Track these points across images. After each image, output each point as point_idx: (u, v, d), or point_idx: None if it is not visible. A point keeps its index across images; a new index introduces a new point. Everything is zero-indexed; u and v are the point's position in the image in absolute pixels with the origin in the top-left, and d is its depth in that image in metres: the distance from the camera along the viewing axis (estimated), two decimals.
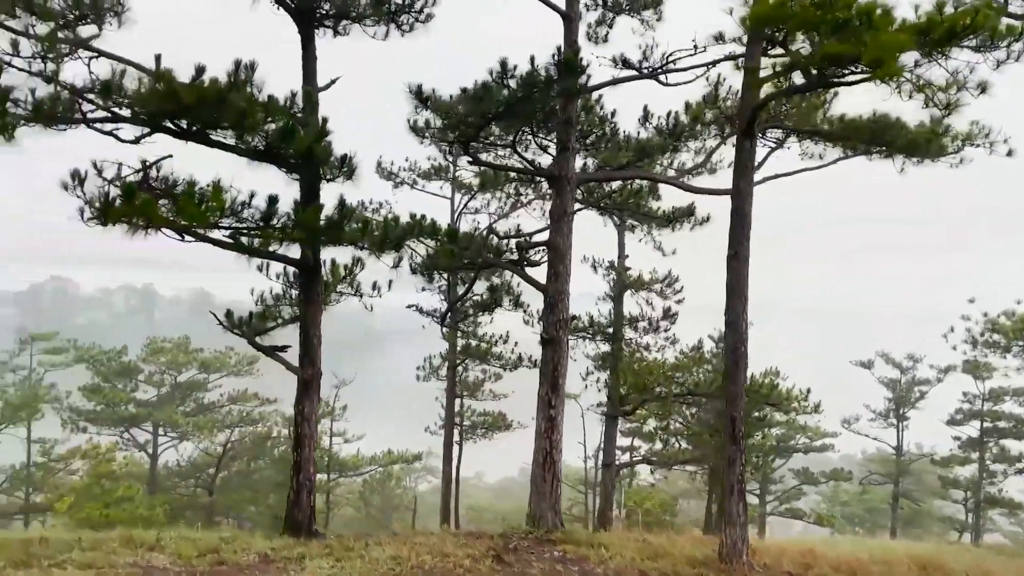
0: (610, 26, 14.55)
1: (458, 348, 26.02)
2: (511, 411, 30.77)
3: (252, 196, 8.97)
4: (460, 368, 28.53)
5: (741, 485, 10.70)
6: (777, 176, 13.14)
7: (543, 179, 17.89)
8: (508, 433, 29.26)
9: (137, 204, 7.68)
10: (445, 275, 18.90)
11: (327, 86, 11.06)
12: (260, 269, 12.66)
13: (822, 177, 14.77)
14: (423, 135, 15.70)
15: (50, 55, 8.40)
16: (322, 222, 9.28)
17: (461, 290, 23.42)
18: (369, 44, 11.17)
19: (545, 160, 14.82)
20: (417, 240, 11.20)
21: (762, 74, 10.57)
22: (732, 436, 10.65)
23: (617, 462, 28.45)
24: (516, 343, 26.81)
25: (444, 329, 26.77)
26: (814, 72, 8.99)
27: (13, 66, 8.23)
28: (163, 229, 8.78)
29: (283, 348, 12.03)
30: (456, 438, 29.38)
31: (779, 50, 9.97)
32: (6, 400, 34.60)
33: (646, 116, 16.16)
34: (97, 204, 7.98)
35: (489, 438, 29.11)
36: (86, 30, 9.33)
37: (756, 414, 30.51)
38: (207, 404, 41.85)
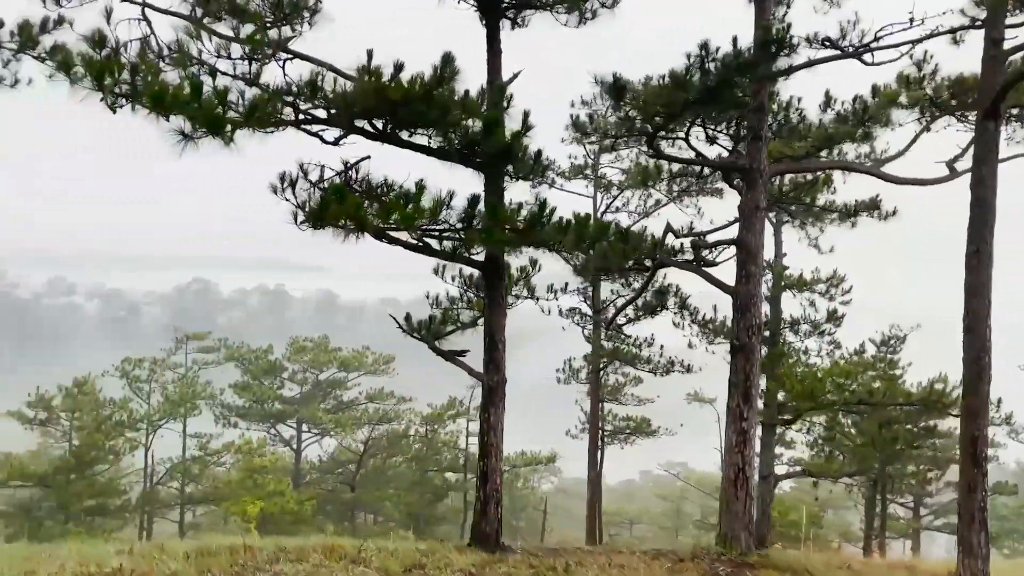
0: (788, 5, 13.44)
1: (601, 351, 25.25)
2: (653, 416, 29.78)
3: (452, 196, 8.55)
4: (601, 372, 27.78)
5: (983, 513, 9.39)
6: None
7: (714, 172, 16.87)
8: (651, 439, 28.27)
9: (348, 206, 7.37)
10: (609, 277, 18.19)
11: (510, 80, 10.56)
12: (436, 272, 12.36)
13: None
14: (584, 131, 14.94)
15: (256, 57, 8.27)
16: (520, 222, 8.74)
17: (606, 292, 22.83)
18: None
19: (710, 152, 13.86)
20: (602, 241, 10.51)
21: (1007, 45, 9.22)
22: (973, 458, 9.37)
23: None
24: (662, 346, 25.81)
25: (590, 330, 26.12)
26: None
27: (217, 69, 8.13)
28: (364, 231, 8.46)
29: (462, 352, 11.66)
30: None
31: None
32: (167, 396, 36.67)
33: (828, 101, 14.88)
34: (309, 207, 7.76)
35: (631, 443, 28.18)
36: (283, 31, 9.19)
37: (927, 424, 28.18)
38: (346, 402, 43.07)
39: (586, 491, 27.95)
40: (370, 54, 7.66)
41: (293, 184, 7.89)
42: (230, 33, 9.05)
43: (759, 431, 25.65)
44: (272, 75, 8.95)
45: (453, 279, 12.40)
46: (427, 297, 12.64)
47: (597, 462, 25.48)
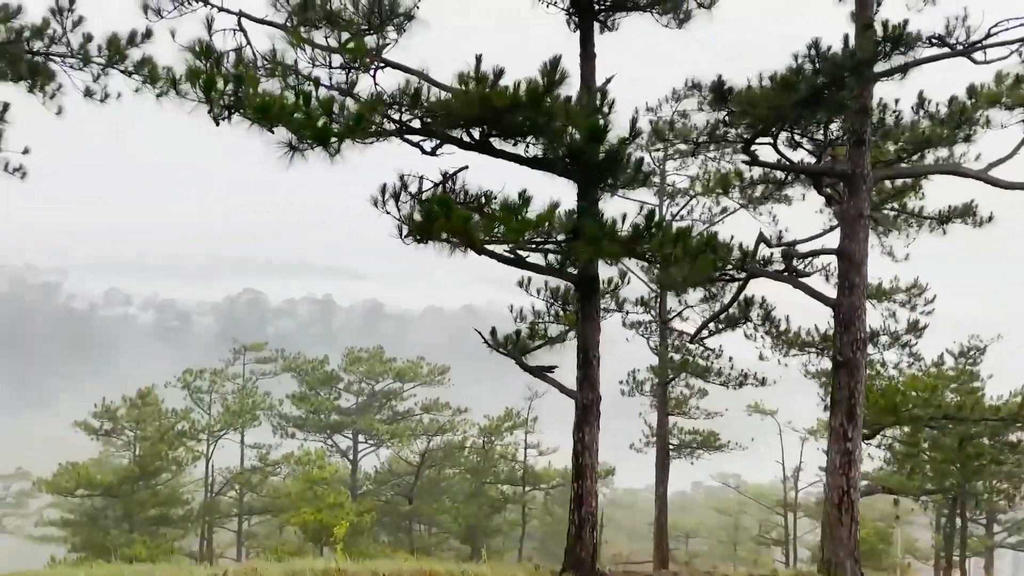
0: (879, 3, 12.80)
1: (670, 363, 24.59)
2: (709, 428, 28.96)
3: (555, 207, 8.15)
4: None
5: None
6: None
7: (793, 179, 16.20)
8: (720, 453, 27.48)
9: (456, 220, 7.03)
10: (695, 289, 17.58)
11: (604, 85, 10.15)
12: (521, 285, 12.01)
13: None
14: (663, 137, 14.45)
15: (354, 66, 8.00)
16: (625, 233, 8.30)
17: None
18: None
19: (792, 157, 13.24)
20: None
21: None
22: None
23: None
24: (731, 358, 25.07)
25: (656, 342, 25.48)
26: None
27: (318, 79, 7.89)
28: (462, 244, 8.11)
29: (551, 368, 11.25)
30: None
31: None
32: (227, 407, 37.03)
33: (921, 103, 14.15)
34: (414, 220, 7.44)
35: (699, 457, 27.41)
36: (378, 39, 8.93)
37: (1009, 439, 26.85)
38: (401, 412, 42.98)
39: (637, 503, 27.24)
40: (479, 59, 7.33)
41: (396, 196, 7.58)
42: (322, 41, 8.84)
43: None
44: (362, 84, 8.73)
45: (539, 292, 12.02)
46: (510, 310, 12.27)
47: (665, 477, 24.77)
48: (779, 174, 15.91)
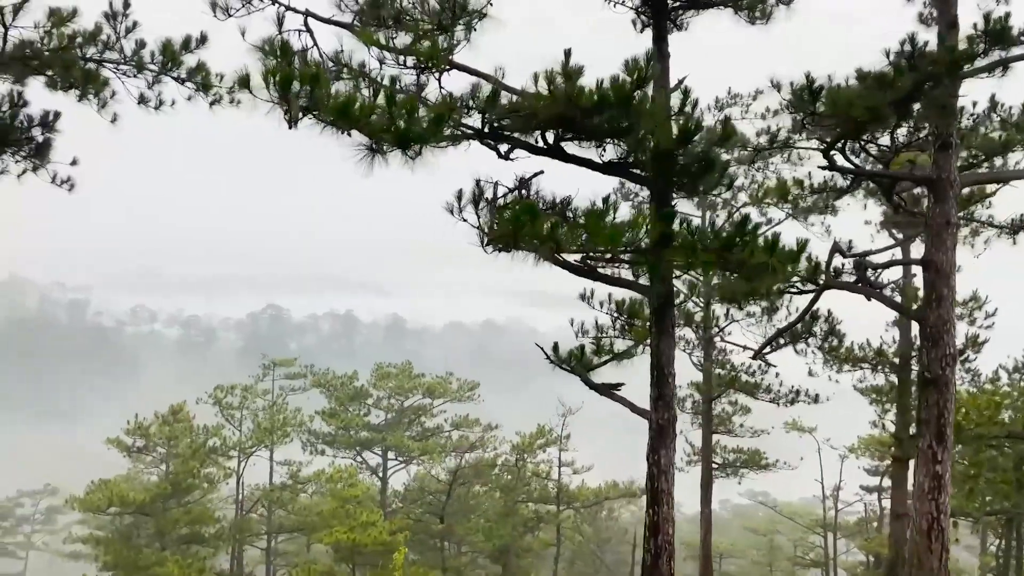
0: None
1: (716, 379, 23.89)
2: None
3: (642, 214, 7.61)
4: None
5: None
6: None
7: (855, 186, 15.57)
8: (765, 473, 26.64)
9: (539, 227, 6.51)
10: (752, 302, 16.97)
11: (676, 86, 9.63)
12: (583, 298, 11.47)
13: None
14: (738, 142, 13.96)
15: (426, 67, 7.54)
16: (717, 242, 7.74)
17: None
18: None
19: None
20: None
21: None
22: None
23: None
24: (778, 374, 24.33)
25: (698, 357, 24.79)
26: None
27: (398, 81, 7.44)
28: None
29: (617, 386, 10.67)
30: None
31: None
32: (257, 423, 36.67)
33: (993, 106, 13.49)
34: (497, 227, 6.93)
35: (743, 477, 26.58)
36: (443, 40, 8.47)
37: None
38: (431, 429, 42.43)
39: (708, 531, 26.14)
40: (568, 54, 6.83)
41: (476, 202, 7.08)
42: (385, 42, 8.40)
43: (884, 467, 23.87)
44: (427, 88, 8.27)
45: (601, 305, 11.47)
46: (571, 323, 11.72)
47: (709, 498, 23.98)
48: (841, 182, 15.29)
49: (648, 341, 10.18)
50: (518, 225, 6.58)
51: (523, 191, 7.64)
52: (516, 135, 8.01)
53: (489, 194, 7.61)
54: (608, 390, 10.61)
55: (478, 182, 7.44)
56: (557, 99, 6.90)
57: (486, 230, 7.09)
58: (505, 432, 40.12)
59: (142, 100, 9.90)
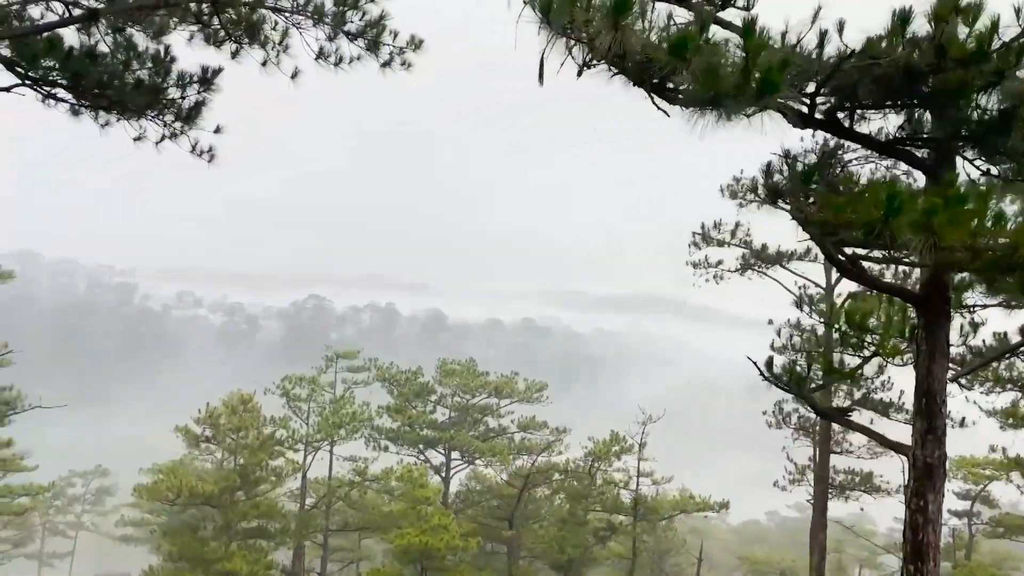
0: None
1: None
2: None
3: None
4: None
5: None
6: None
7: None
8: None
9: (914, 211, 4.96)
10: None
11: None
12: (799, 305, 9.86)
13: None
14: None
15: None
16: None
17: None
18: None
19: None
20: None
21: None
22: None
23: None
24: (902, 391, 22.43)
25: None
26: None
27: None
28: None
29: (848, 410, 9.14)
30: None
31: None
32: (325, 417, 35.61)
33: None
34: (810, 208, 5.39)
35: (857, 499, 24.71)
36: None
37: None
38: (495, 429, 41.09)
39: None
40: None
41: (793, 178, 5.56)
42: None
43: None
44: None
45: (812, 310, 9.85)
46: (778, 334, 10.10)
47: (824, 521, 22.17)
48: None
49: (897, 360, 8.56)
50: (872, 206, 5.04)
51: (831, 164, 6.09)
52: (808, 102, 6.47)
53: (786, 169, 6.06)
54: (839, 415, 9.05)
55: (787, 153, 5.90)
56: (924, 51, 5.35)
57: (802, 212, 5.55)
58: (578, 436, 38.58)
59: (320, 55, 8.54)
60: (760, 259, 21.86)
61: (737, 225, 23.29)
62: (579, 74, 5.28)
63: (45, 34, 8.27)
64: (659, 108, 5.57)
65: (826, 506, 22.21)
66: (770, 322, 24.67)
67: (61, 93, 8.91)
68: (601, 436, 35.94)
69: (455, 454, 40.87)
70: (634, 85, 5.50)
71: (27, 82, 8.24)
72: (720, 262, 23.97)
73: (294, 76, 8.48)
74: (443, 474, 40.20)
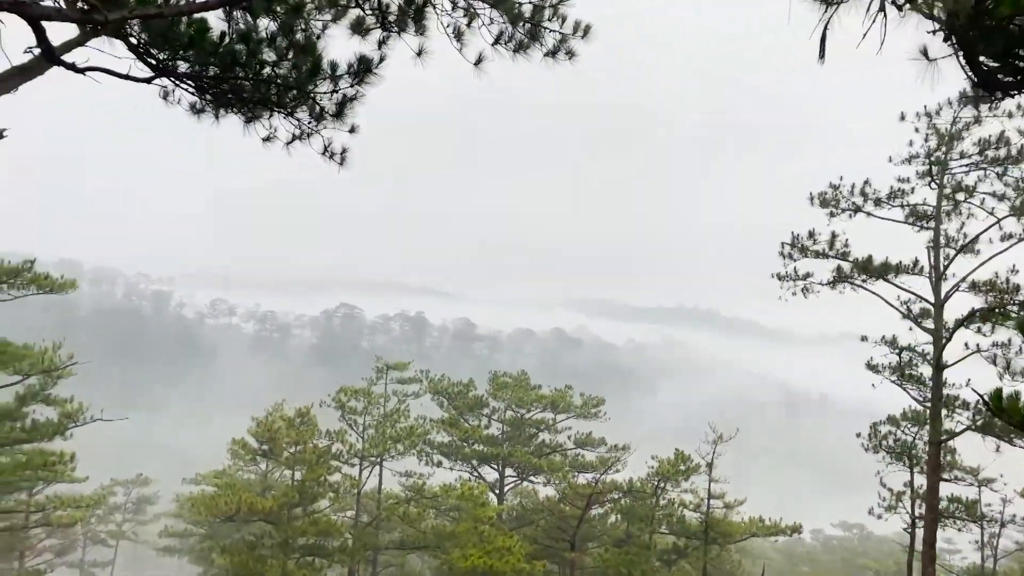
0: None
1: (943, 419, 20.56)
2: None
3: None
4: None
5: None
6: None
7: None
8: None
9: None
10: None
11: None
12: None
13: None
14: None
15: None
16: None
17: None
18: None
19: None
20: None
21: None
22: None
23: None
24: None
25: (921, 392, 21.53)
26: None
27: None
28: None
29: None
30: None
31: None
32: (381, 431, 34.63)
33: None
34: None
35: (960, 529, 23.14)
36: None
37: None
38: (550, 445, 39.86)
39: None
40: None
41: None
42: None
43: None
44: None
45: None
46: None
47: (934, 554, 20.62)
48: None
49: None
50: None
51: None
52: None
53: None
54: None
55: None
56: None
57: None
58: (640, 454, 37.17)
59: (498, 40, 7.45)
60: (864, 271, 20.55)
61: (834, 236, 22.03)
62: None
63: (185, 18, 7.33)
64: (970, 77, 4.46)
65: (935, 536, 20.67)
66: (864, 339, 23.36)
67: (188, 87, 7.97)
68: (662, 453, 34.60)
69: (508, 470, 39.73)
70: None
71: (171, 77, 7.28)
72: (808, 274, 22.74)
73: (478, 63, 7.40)
74: (497, 491, 39.04)
